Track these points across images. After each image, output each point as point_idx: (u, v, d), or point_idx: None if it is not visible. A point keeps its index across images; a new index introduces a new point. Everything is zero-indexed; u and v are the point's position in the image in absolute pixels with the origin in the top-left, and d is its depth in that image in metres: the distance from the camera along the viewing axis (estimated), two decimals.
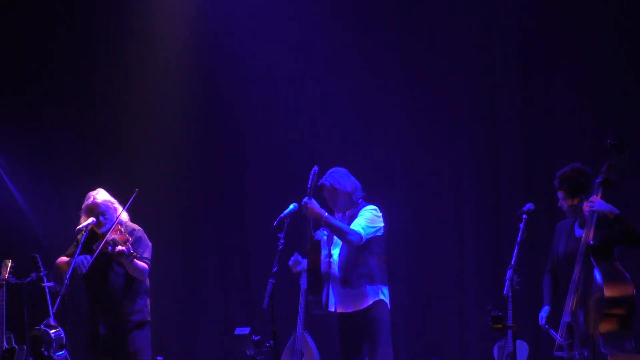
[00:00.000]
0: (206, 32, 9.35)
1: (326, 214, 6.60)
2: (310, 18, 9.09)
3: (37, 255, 8.33)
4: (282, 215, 6.71)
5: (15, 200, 9.62)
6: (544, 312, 6.25)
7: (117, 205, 7.00)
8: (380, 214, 6.76)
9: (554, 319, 6.20)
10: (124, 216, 6.99)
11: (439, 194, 8.90)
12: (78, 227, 7.03)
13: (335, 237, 6.76)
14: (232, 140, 9.46)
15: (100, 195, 6.95)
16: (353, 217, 6.74)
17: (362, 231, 6.60)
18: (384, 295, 6.70)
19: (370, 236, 6.64)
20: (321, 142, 9.09)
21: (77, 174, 9.63)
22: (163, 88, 9.54)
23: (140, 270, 6.81)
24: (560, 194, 6.14)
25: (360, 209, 6.76)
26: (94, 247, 6.74)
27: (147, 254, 6.92)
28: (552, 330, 6.08)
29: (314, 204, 6.60)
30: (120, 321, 6.75)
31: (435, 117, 8.92)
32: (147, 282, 6.87)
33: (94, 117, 9.68)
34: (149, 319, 6.91)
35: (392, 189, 8.99)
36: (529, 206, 6.18)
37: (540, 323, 6.25)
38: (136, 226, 7.02)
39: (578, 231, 6.15)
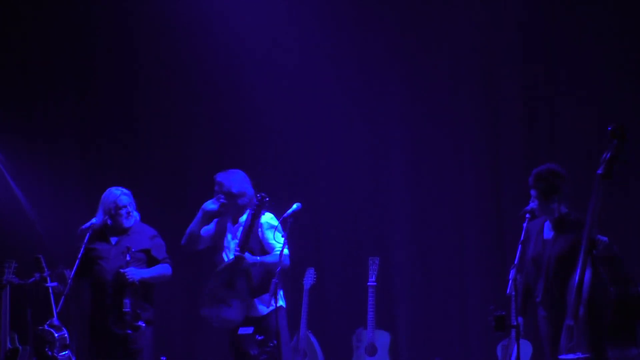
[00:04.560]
0: (208, 34, 9.34)
1: (259, 258, 6.82)
2: (310, 24, 9.11)
3: (40, 255, 8.32)
4: (285, 215, 6.72)
5: (18, 200, 9.62)
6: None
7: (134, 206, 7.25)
8: (277, 220, 6.89)
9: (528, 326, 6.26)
10: (136, 215, 7.27)
11: (441, 193, 8.90)
12: (81, 228, 7.10)
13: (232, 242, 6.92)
14: (234, 140, 9.46)
15: (125, 196, 7.19)
16: (252, 226, 6.85)
17: (286, 251, 6.72)
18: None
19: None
20: (322, 144, 9.12)
21: (79, 174, 9.64)
22: (164, 87, 9.55)
23: (163, 276, 7.23)
24: (533, 192, 6.14)
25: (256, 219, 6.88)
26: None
27: (164, 253, 7.28)
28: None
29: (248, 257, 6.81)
30: (129, 320, 6.91)
31: (437, 117, 8.93)
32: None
33: (95, 116, 9.68)
34: (153, 319, 7.18)
35: (393, 188, 9.00)
36: (532, 205, 6.16)
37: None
38: (148, 226, 7.35)
39: (547, 233, 6.15)
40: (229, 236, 7.09)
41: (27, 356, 8.35)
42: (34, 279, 8.30)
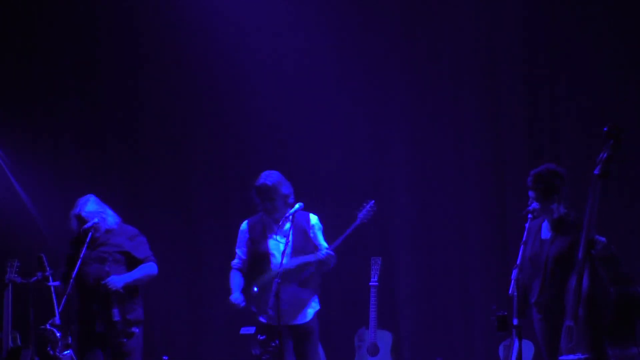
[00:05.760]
0: (210, 34, 9.35)
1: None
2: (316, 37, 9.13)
3: (42, 254, 8.33)
4: (287, 214, 6.72)
5: (20, 199, 9.63)
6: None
7: (108, 211, 7.18)
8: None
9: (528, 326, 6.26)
10: (111, 220, 7.14)
11: (443, 193, 8.91)
12: (84, 227, 7.10)
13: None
14: (237, 140, 9.48)
15: (90, 204, 7.11)
16: (299, 227, 6.83)
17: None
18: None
19: None
20: (325, 144, 9.12)
21: (82, 173, 9.64)
22: (167, 87, 9.56)
23: (148, 276, 7.10)
24: (532, 194, 6.13)
25: (305, 219, 6.88)
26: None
27: (149, 251, 7.17)
28: None
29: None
30: (120, 329, 6.89)
31: (439, 117, 8.94)
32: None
33: (98, 116, 9.69)
34: (143, 318, 7.13)
35: (396, 188, 9.00)
36: (534, 205, 6.16)
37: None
38: (130, 227, 7.25)
39: (545, 233, 6.14)
40: (276, 238, 6.97)
41: (29, 355, 8.35)
42: (36, 278, 8.31)
